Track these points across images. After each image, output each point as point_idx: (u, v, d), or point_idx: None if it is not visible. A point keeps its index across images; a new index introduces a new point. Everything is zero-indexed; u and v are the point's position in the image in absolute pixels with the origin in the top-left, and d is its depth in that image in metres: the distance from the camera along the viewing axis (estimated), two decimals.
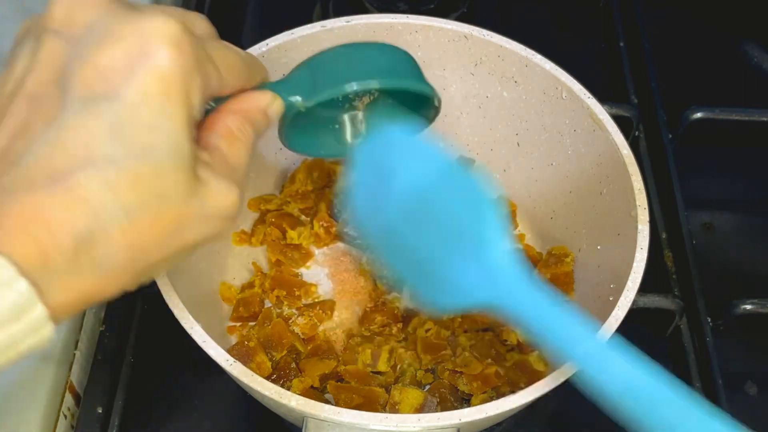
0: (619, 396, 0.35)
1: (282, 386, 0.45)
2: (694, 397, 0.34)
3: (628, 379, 0.35)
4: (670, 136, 0.66)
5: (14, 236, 0.29)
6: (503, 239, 0.38)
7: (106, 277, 0.32)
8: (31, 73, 0.32)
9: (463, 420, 0.41)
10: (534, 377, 0.50)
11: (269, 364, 0.51)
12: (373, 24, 0.56)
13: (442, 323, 0.53)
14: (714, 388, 0.53)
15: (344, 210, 0.55)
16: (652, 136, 0.66)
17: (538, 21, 0.77)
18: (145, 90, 0.31)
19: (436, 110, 0.45)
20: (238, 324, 0.55)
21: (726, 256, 0.63)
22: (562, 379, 0.42)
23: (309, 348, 0.53)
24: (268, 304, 0.56)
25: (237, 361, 0.42)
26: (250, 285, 0.56)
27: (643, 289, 0.46)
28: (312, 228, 0.58)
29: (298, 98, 0.40)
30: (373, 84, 0.42)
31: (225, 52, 0.36)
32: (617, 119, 0.52)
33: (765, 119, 0.66)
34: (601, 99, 0.53)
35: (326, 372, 0.51)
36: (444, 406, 0.50)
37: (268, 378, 0.47)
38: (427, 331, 0.52)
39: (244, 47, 0.54)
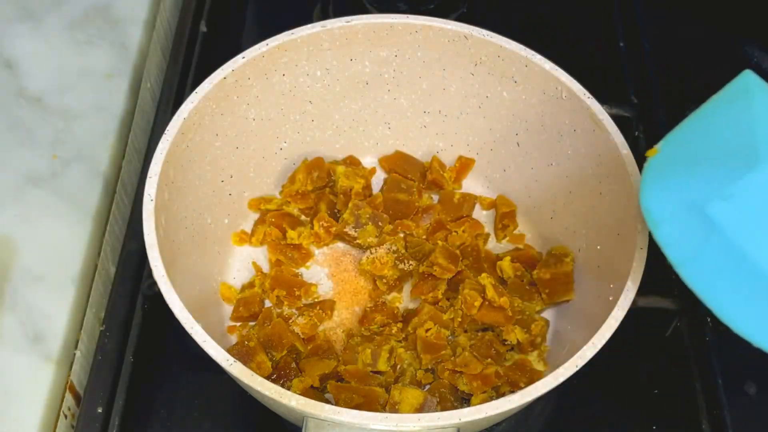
0: None
1: (282, 386, 0.45)
2: None
3: None
4: None
5: None
6: None
7: None
8: None
9: (463, 420, 0.41)
10: (534, 377, 0.50)
11: (269, 363, 0.51)
12: (373, 24, 0.56)
13: (442, 323, 0.53)
14: (714, 388, 0.53)
15: None
16: (652, 136, 0.66)
17: (538, 21, 0.77)
18: None
19: None
20: (238, 324, 0.55)
21: None
22: (562, 379, 0.42)
23: (309, 348, 0.53)
24: (268, 303, 0.56)
25: (237, 361, 0.42)
26: (250, 285, 0.57)
27: (643, 289, 0.46)
28: (312, 228, 0.58)
29: None
30: None
31: None
32: (617, 119, 0.52)
33: None
34: (601, 99, 0.53)
35: (326, 372, 0.51)
36: (444, 405, 0.50)
37: (268, 378, 0.47)
38: (426, 330, 0.52)
39: (244, 47, 0.54)
